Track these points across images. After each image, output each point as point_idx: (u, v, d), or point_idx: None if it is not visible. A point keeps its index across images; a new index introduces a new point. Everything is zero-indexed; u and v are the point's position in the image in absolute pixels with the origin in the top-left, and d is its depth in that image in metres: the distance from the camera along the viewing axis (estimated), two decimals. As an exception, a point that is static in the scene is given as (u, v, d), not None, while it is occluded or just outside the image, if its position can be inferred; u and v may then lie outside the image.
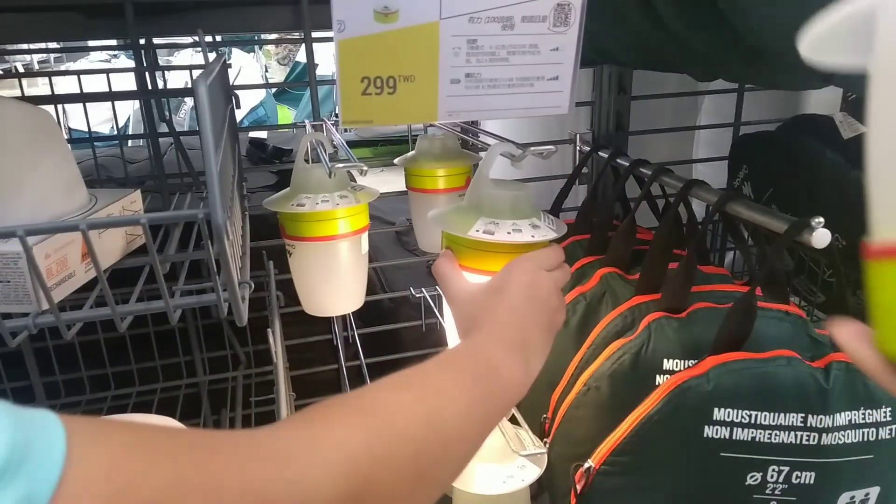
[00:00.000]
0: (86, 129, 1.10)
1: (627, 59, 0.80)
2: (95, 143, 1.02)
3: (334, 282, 0.78)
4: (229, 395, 1.03)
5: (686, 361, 0.73)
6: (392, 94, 0.48)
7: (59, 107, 1.12)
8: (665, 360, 0.73)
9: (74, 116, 2.95)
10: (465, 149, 0.98)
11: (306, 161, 0.77)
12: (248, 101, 3.82)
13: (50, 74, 0.93)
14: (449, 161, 0.92)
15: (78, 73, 0.88)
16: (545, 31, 0.48)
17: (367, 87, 0.48)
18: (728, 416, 0.65)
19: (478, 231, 0.58)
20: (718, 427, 0.65)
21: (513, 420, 0.84)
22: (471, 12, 0.46)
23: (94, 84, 0.97)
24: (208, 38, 1.29)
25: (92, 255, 0.43)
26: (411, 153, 0.95)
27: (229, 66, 0.88)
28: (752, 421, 0.64)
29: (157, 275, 0.47)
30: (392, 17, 0.46)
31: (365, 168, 0.62)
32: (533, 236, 0.59)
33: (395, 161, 0.95)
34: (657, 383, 0.73)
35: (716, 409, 0.65)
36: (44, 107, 0.56)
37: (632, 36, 0.68)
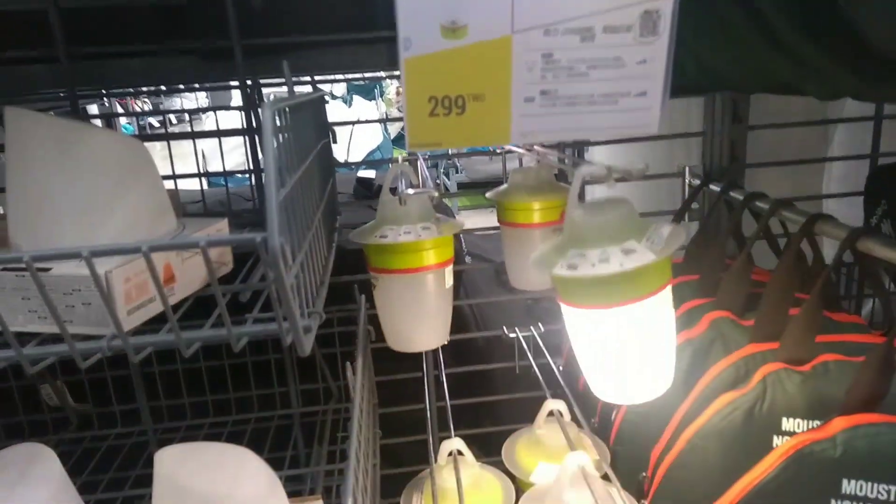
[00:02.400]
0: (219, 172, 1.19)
1: (739, 81, 0.73)
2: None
3: (416, 315, 0.76)
4: (317, 427, 1.03)
5: (809, 422, 0.63)
6: (461, 115, 0.45)
7: (199, 150, 1.20)
8: (784, 419, 0.65)
9: (213, 160, 3.22)
10: (560, 181, 0.93)
11: (392, 193, 0.76)
12: (367, 145, 3.98)
13: (163, 113, 0.99)
14: (542, 193, 0.88)
15: (189, 111, 0.94)
16: (630, 42, 0.44)
17: (434, 107, 0.45)
18: (860, 490, 0.55)
19: (562, 267, 0.54)
20: (848, 502, 0.55)
21: (604, 477, 0.76)
22: (546, 24, 0.43)
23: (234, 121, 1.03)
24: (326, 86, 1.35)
25: (154, 278, 0.43)
26: (503, 186, 0.92)
27: (327, 101, 0.89)
28: (891, 498, 0.54)
29: (218, 300, 0.46)
30: (460, 32, 0.43)
31: (435, 195, 0.60)
32: (622, 265, 0.52)
33: (487, 194, 0.93)
34: (774, 445, 0.64)
35: (845, 481, 0.56)
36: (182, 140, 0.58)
37: (744, 55, 0.62)
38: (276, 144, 0.42)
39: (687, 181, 1.03)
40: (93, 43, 0.89)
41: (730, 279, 0.80)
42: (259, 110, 0.95)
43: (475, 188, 4.49)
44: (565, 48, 0.44)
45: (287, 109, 0.49)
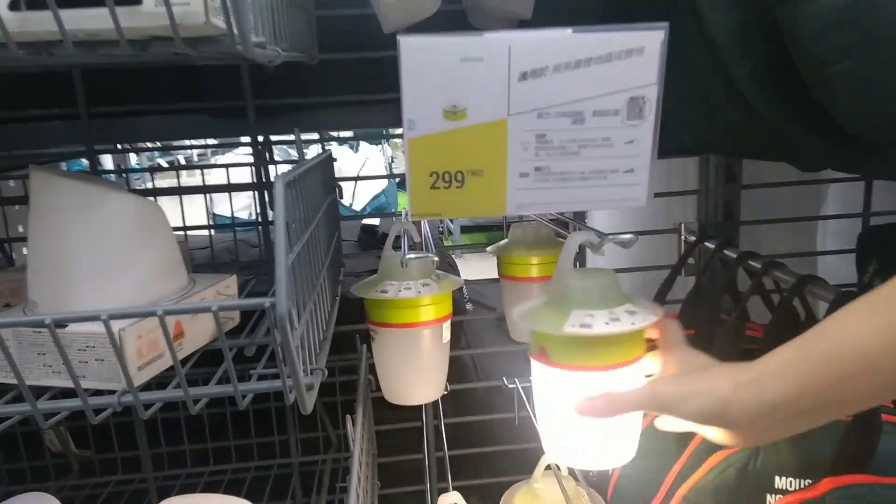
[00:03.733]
0: (229, 215, 1.22)
1: (729, 151, 0.76)
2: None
3: (413, 369, 0.77)
4: (316, 477, 1.03)
5: (801, 480, 0.64)
6: (460, 188, 0.48)
7: (208, 196, 1.24)
8: (777, 478, 0.66)
9: (220, 203, 3.26)
10: (560, 237, 0.96)
11: (395, 249, 0.79)
12: (372, 189, 4.03)
13: (177, 169, 1.03)
14: (541, 249, 0.91)
15: (202, 166, 0.98)
16: (618, 124, 0.47)
17: (435, 181, 0.48)
18: (849, 551, 0.56)
19: (574, 326, 0.55)
20: (837, 563, 0.56)
21: (600, 533, 0.77)
22: (539, 108, 0.46)
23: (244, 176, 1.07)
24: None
25: (167, 340, 0.46)
26: (504, 241, 0.95)
27: (335, 159, 0.93)
28: (877, 561, 0.55)
29: (226, 360, 0.49)
30: (460, 115, 0.46)
31: (436, 259, 0.62)
32: (633, 323, 0.55)
33: (488, 249, 0.95)
34: (767, 503, 0.65)
35: (834, 542, 0.56)
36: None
37: (729, 127, 0.65)
38: (285, 215, 0.45)
39: (683, 237, 1.06)
40: (110, 101, 0.93)
41: (724, 336, 0.82)
42: (269, 167, 0.99)
43: (479, 231, 4.53)
44: (557, 129, 0.47)
45: (296, 179, 0.52)
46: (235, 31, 0.44)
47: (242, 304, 0.45)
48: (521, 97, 0.46)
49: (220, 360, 0.65)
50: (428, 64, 0.45)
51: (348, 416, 0.69)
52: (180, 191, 0.95)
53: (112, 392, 0.51)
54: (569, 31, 0.44)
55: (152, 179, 1.03)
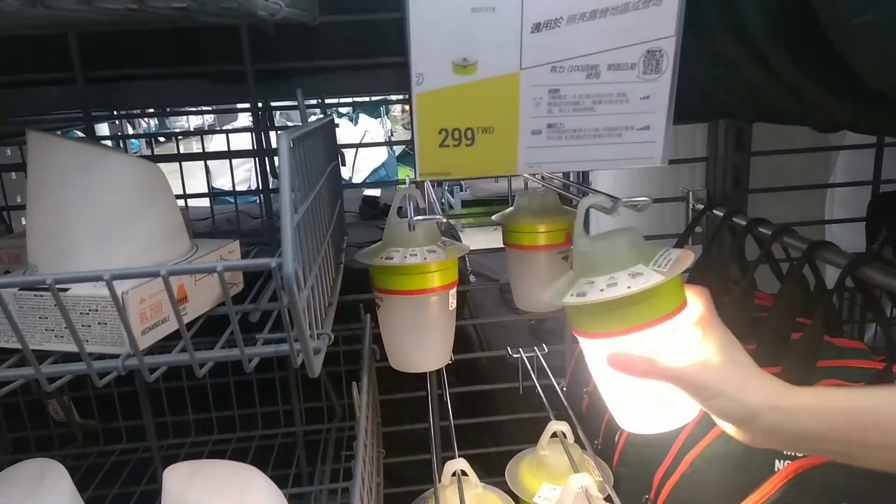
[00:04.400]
0: (228, 188, 1.21)
1: (742, 113, 0.74)
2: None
3: (419, 337, 0.77)
4: (321, 446, 1.03)
5: (811, 447, 0.64)
6: (470, 146, 0.47)
7: (206, 165, 1.22)
8: (786, 444, 0.65)
9: (220, 176, 3.24)
10: (566, 205, 0.95)
11: (400, 216, 0.77)
12: (372, 162, 4.00)
13: (175, 134, 1.01)
14: (548, 217, 0.90)
15: (202, 132, 0.96)
16: (634, 79, 0.45)
17: (444, 138, 0.47)
18: (861, 516, 0.56)
19: (572, 295, 0.54)
20: (849, 527, 0.56)
21: (607, 499, 0.77)
22: (553, 62, 0.45)
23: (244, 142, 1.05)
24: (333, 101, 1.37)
25: (172, 301, 0.45)
26: (509, 209, 0.94)
27: (337, 126, 0.91)
28: (891, 525, 0.54)
29: (232, 322, 0.48)
30: (471, 68, 0.45)
31: (444, 220, 0.61)
32: (629, 287, 0.52)
33: (493, 217, 0.94)
34: (776, 469, 0.64)
35: (846, 505, 0.56)
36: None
37: (744, 88, 0.63)
38: (290, 173, 0.44)
39: (691, 206, 1.05)
40: (107, 66, 0.91)
41: (732, 304, 0.81)
42: (269, 133, 0.97)
43: (480, 206, 4.51)
44: (571, 84, 0.45)
45: (301, 138, 0.51)
46: (237, -21, 0.42)
47: (248, 264, 0.44)
48: (534, 50, 0.44)
49: (224, 329, 0.64)
50: (437, 14, 0.43)
51: (354, 384, 0.69)
52: (179, 158, 0.93)
53: (115, 356, 0.51)
54: (584, -21, 0.43)
55: (151, 149, 1.01)
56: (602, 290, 0.53)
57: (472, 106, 0.46)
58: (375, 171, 3.94)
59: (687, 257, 0.54)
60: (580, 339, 0.58)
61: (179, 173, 0.96)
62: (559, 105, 0.46)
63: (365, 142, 3.78)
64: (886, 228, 0.91)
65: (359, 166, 3.85)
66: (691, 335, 0.55)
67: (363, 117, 4.28)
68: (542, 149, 0.47)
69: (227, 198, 2.73)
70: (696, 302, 0.57)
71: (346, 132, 3.93)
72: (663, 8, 0.43)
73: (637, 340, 0.55)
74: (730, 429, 0.53)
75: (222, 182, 3.00)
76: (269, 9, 0.48)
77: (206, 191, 1.23)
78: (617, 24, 0.43)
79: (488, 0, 0.43)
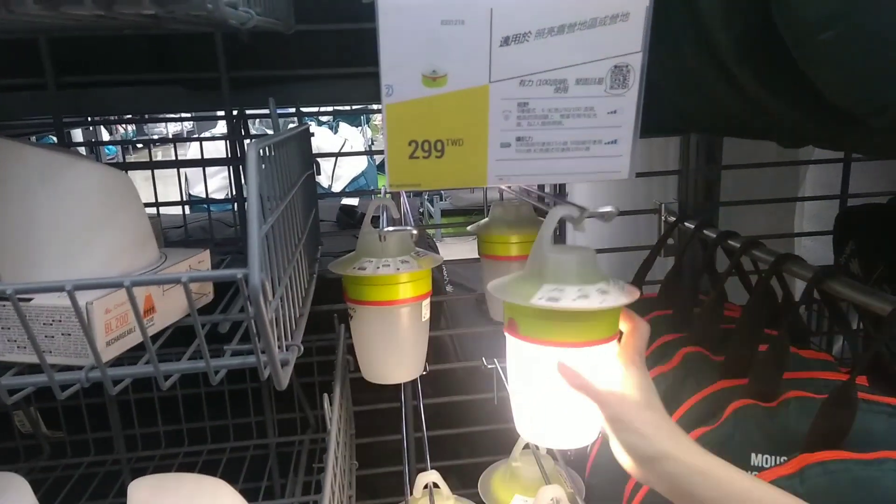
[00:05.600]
0: (204, 195, 1.19)
1: (711, 127, 0.75)
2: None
3: (392, 348, 0.76)
4: (293, 458, 1.02)
5: (776, 457, 0.64)
6: (440, 158, 0.47)
7: (182, 173, 1.21)
8: (752, 455, 0.66)
9: (196, 184, 3.20)
10: (540, 216, 0.95)
11: (374, 224, 0.77)
12: (351, 170, 4.00)
13: (148, 141, 1.00)
14: (522, 228, 0.90)
15: (174, 140, 0.95)
16: (601, 93, 0.46)
17: (414, 150, 0.47)
18: (825, 526, 0.56)
19: (541, 299, 0.55)
20: (813, 538, 0.56)
21: (579, 510, 0.77)
22: (522, 75, 0.45)
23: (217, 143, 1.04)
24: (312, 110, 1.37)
25: (136, 312, 0.44)
26: (484, 220, 0.94)
27: (313, 134, 0.91)
28: (853, 535, 0.55)
29: (198, 335, 0.47)
30: (440, 81, 0.45)
31: (414, 232, 0.61)
32: (602, 302, 0.54)
33: (469, 228, 0.94)
34: (747, 479, 0.65)
35: (810, 517, 0.57)
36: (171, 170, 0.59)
37: (711, 102, 0.64)
38: (258, 183, 0.44)
39: (663, 217, 1.06)
40: (79, 71, 0.90)
41: (702, 315, 0.82)
42: (244, 140, 0.97)
43: (459, 215, 4.52)
44: (540, 98, 0.46)
45: (271, 147, 0.51)
46: (205, -12, 0.42)
47: (214, 275, 0.44)
48: (503, 63, 0.44)
49: (194, 338, 0.64)
50: (407, 26, 0.44)
51: (325, 395, 0.68)
52: (152, 165, 0.92)
53: (80, 368, 0.50)
54: (553, -6, 0.43)
55: (123, 156, 1.00)
56: (574, 299, 0.54)
57: (441, 118, 0.46)
58: (355, 179, 3.93)
59: (634, 290, 0.58)
60: (520, 343, 0.59)
61: (152, 178, 0.95)
62: (528, 118, 0.46)
63: (345, 150, 3.78)
64: (853, 242, 0.93)
65: (338, 174, 3.84)
66: (615, 365, 0.59)
67: (343, 126, 4.28)
68: (512, 161, 0.48)
69: (202, 206, 2.71)
70: (635, 335, 0.59)
71: (326, 140, 3.92)
72: (630, 24, 0.44)
73: (583, 355, 0.57)
74: (626, 462, 0.56)
75: (200, 189, 2.97)
76: (240, 18, 0.48)
77: (182, 198, 1.22)
78: (585, 40, 0.44)
79: (458, 13, 0.43)
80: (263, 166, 0.48)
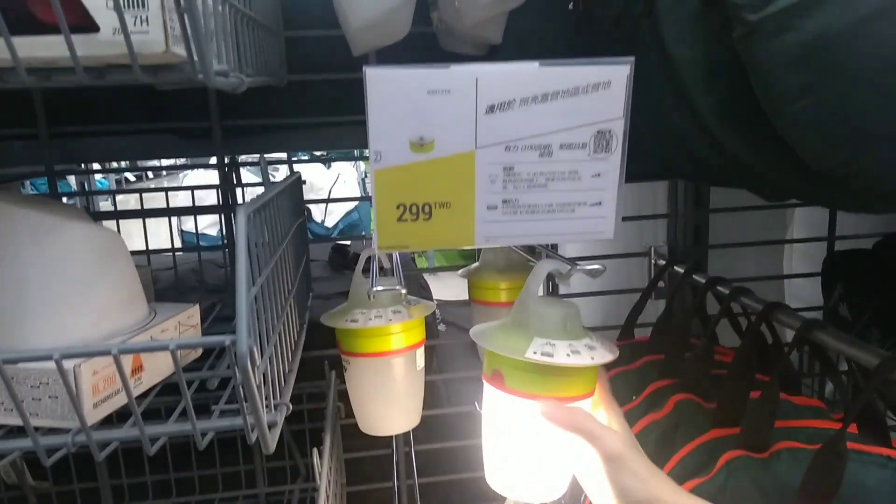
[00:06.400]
0: (194, 231, 1.19)
1: (697, 179, 0.77)
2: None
3: (387, 399, 0.76)
4: (284, 509, 1.01)
5: (772, 513, 0.64)
6: (428, 221, 0.48)
7: (174, 222, 1.21)
8: (747, 511, 0.65)
9: (189, 219, 3.20)
10: (531, 262, 0.96)
11: (365, 271, 0.77)
12: (345, 205, 4.00)
13: (140, 192, 1.01)
14: (512, 273, 0.90)
15: (165, 189, 0.96)
16: (585, 157, 0.47)
17: (402, 213, 0.47)
18: (818, 584, 0.56)
19: (535, 353, 0.55)
20: None
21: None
22: (507, 141, 0.46)
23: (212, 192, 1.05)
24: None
25: (122, 379, 0.44)
26: (475, 265, 0.95)
27: (304, 182, 0.92)
28: None
29: (184, 398, 0.47)
30: (428, 147, 0.46)
31: (404, 291, 0.61)
32: (592, 358, 0.55)
33: (459, 273, 0.95)
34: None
35: (803, 574, 0.56)
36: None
37: (694, 158, 0.65)
38: (247, 248, 0.44)
39: (653, 261, 1.07)
40: (72, 121, 0.91)
41: (694, 362, 0.82)
42: (234, 189, 0.98)
43: (453, 249, 4.53)
44: (525, 162, 0.46)
45: (261, 209, 0.51)
46: (196, 58, 0.43)
47: (201, 342, 0.44)
48: (489, 130, 0.45)
49: (188, 386, 0.63)
50: (394, 96, 0.44)
51: (314, 449, 0.68)
52: (143, 213, 0.93)
53: (68, 430, 0.49)
54: (536, 64, 0.44)
55: (114, 201, 1.00)
56: (568, 355, 0.55)
57: (429, 182, 0.47)
58: (348, 214, 3.94)
59: (615, 347, 0.59)
60: (504, 395, 0.58)
61: (143, 224, 0.95)
62: (514, 182, 0.47)
63: (337, 187, 3.80)
64: (841, 286, 0.94)
65: (331, 209, 3.86)
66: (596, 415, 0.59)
67: (336, 161, 4.30)
68: (498, 223, 0.48)
69: (194, 241, 2.71)
70: (603, 380, 0.62)
71: (319, 175, 3.94)
72: (612, 91, 0.45)
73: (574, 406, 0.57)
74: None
75: (191, 225, 2.97)
76: (231, 84, 0.49)
77: (173, 236, 1.22)
78: (568, 107, 0.45)
79: (444, 83, 0.44)
80: (254, 233, 0.48)
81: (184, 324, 0.64)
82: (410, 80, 0.44)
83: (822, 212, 1.16)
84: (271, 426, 0.50)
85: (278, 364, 0.57)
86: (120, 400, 0.56)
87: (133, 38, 0.44)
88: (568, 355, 0.55)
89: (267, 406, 0.53)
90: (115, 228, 0.94)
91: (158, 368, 0.61)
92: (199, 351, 0.68)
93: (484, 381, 0.61)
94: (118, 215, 0.92)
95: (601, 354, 0.56)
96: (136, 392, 0.56)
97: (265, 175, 0.63)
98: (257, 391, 0.44)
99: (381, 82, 0.44)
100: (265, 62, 0.71)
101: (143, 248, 1.01)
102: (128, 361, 0.54)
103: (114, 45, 0.45)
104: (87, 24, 0.46)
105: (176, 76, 0.45)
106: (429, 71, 0.44)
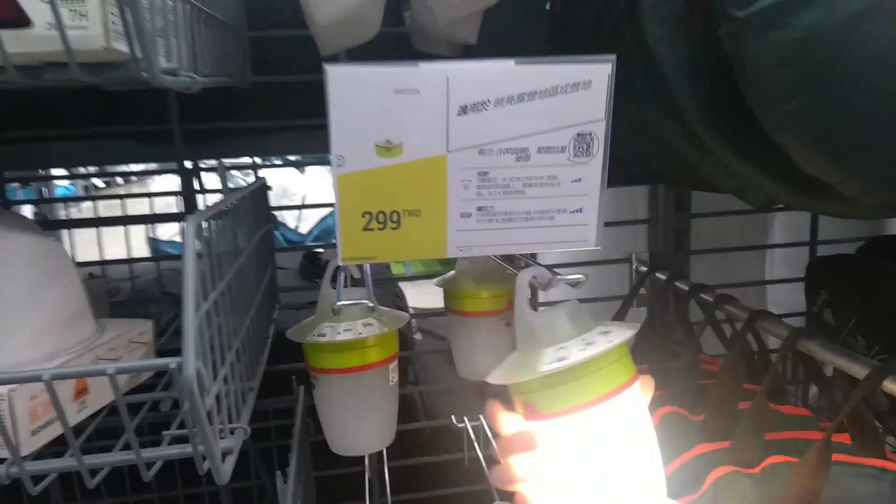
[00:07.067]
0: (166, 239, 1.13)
1: (681, 184, 0.74)
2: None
3: (358, 418, 0.72)
4: (251, 532, 0.96)
5: (761, 528, 0.61)
6: (396, 229, 0.44)
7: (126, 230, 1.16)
8: (738, 528, 0.62)
9: (160, 226, 3.13)
10: (509, 268, 0.92)
11: (334, 282, 0.73)
12: (320, 210, 3.94)
13: (94, 198, 0.96)
14: (489, 282, 0.87)
15: (121, 196, 0.91)
16: (565, 161, 0.43)
17: (368, 221, 0.44)
18: None
19: (549, 363, 0.48)
20: None
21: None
22: (481, 144, 0.42)
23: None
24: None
25: (55, 405, 0.39)
26: (451, 273, 0.91)
27: (269, 188, 0.87)
28: None
29: (127, 430, 0.42)
30: (395, 151, 0.42)
31: (371, 305, 0.58)
32: (611, 341, 0.48)
33: (434, 282, 0.91)
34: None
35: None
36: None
37: (680, 162, 0.63)
38: (194, 263, 0.40)
39: (634, 267, 1.04)
40: (23, 125, 0.86)
41: (678, 373, 0.80)
42: (195, 196, 0.93)
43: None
44: (501, 167, 0.43)
45: (212, 220, 0.47)
46: (139, 55, 0.39)
47: (143, 365, 0.40)
48: (462, 132, 0.42)
49: (141, 406, 0.59)
50: (359, 96, 0.41)
51: (278, 473, 0.63)
52: (98, 222, 0.88)
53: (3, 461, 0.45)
54: (511, 62, 0.41)
55: (66, 209, 0.95)
56: (582, 349, 0.48)
57: (397, 188, 0.43)
58: (323, 219, 3.89)
59: (633, 324, 0.52)
60: (541, 425, 0.52)
61: (97, 235, 0.90)
62: (489, 188, 0.44)
63: (312, 192, 3.74)
64: (824, 293, 0.92)
65: (306, 215, 3.80)
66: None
67: (311, 166, 4.24)
68: (473, 232, 0.45)
69: (166, 249, 2.63)
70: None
71: (292, 180, 3.88)
72: (592, 92, 0.42)
73: (616, 405, 0.50)
74: None
75: (161, 232, 2.90)
76: (181, 84, 0.45)
77: (134, 246, 1.17)
78: (546, 108, 0.42)
79: (412, 82, 0.40)
80: (203, 251, 0.44)
81: (135, 341, 0.60)
82: (376, 78, 0.40)
83: (803, 217, 1.14)
84: (227, 454, 0.46)
85: (236, 384, 0.53)
86: (59, 427, 0.51)
87: (70, 34, 0.40)
88: (582, 350, 0.48)
89: (222, 430, 0.48)
90: (68, 238, 0.89)
91: (106, 390, 0.56)
92: (147, 374, 0.63)
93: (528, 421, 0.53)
94: (71, 224, 0.87)
95: (619, 334, 0.49)
96: (77, 419, 0.52)
97: (224, 181, 0.59)
98: (207, 417, 0.40)
99: (343, 81, 0.41)
100: (225, 62, 0.67)
101: (111, 258, 0.95)
102: (68, 385, 0.50)
103: (49, 40, 0.41)
104: (17, 18, 0.42)
105: (119, 75, 0.41)
106: (396, 69, 0.40)
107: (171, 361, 0.39)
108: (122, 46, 0.41)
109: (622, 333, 0.49)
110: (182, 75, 0.44)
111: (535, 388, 0.50)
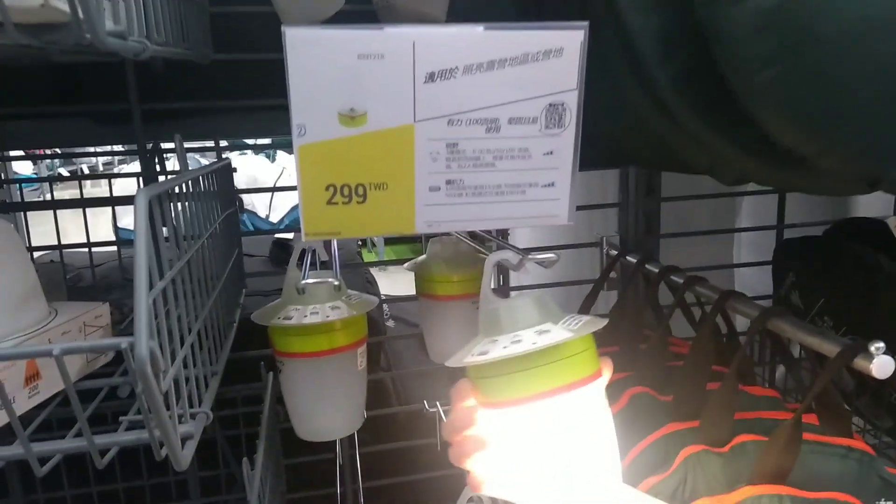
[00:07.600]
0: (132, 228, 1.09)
1: (651, 163, 0.73)
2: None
3: (324, 402, 0.70)
4: (219, 522, 0.94)
5: (726, 503, 0.61)
6: (362, 203, 0.42)
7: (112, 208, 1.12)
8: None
9: (126, 215, 3.06)
10: (480, 253, 0.91)
11: (300, 269, 0.71)
12: (290, 200, 3.90)
13: (50, 180, 0.92)
14: (461, 266, 0.86)
15: (79, 177, 0.87)
16: (536, 133, 0.42)
17: (332, 195, 0.42)
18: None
19: (472, 355, 0.49)
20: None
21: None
22: (450, 114, 0.41)
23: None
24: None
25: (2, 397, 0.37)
26: (422, 257, 0.89)
27: (234, 169, 0.85)
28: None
29: (78, 417, 0.40)
30: (359, 120, 0.40)
31: (337, 283, 0.56)
32: (535, 343, 0.46)
33: (405, 266, 0.90)
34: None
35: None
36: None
37: (652, 138, 0.62)
38: (146, 240, 0.38)
39: (605, 251, 1.04)
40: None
41: (648, 355, 0.80)
42: (157, 178, 0.90)
43: (403, 243, 4.47)
44: (470, 138, 0.42)
45: (166, 194, 0.45)
46: (81, 15, 0.37)
47: (91, 346, 0.38)
48: (429, 101, 0.40)
49: (97, 393, 0.56)
50: (319, 61, 0.39)
51: (245, 460, 0.62)
52: (55, 205, 0.84)
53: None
54: (480, 27, 0.39)
55: (21, 196, 0.91)
56: (505, 347, 0.47)
57: (362, 160, 0.41)
58: (294, 209, 3.83)
59: (597, 322, 0.51)
60: (491, 414, 0.51)
61: (54, 217, 0.86)
62: (458, 160, 0.42)
63: (282, 181, 3.69)
64: (792, 274, 0.93)
65: (276, 205, 3.75)
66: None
67: (281, 153, 4.18)
68: (442, 206, 0.43)
69: (131, 237, 2.57)
70: None
71: (262, 169, 3.82)
72: (564, 60, 0.41)
73: (578, 396, 0.49)
74: None
75: (127, 221, 2.83)
76: (130, 49, 0.42)
77: (109, 231, 1.13)
78: (516, 76, 0.40)
79: (376, 46, 0.39)
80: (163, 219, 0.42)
81: (90, 324, 0.57)
82: (338, 42, 0.39)
83: (770, 202, 1.15)
84: (186, 439, 0.44)
85: (197, 368, 0.51)
86: (17, 408, 0.48)
87: (2, -11, 0.37)
88: (505, 347, 0.47)
89: (182, 415, 0.46)
90: (24, 220, 0.85)
91: (56, 378, 0.53)
92: (111, 354, 0.61)
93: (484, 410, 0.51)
94: (27, 207, 0.83)
95: (553, 336, 0.47)
96: (28, 406, 0.49)
97: (182, 159, 0.56)
98: (165, 401, 0.38)
99: (303, 44, 0.39)
100: (184, 34, 0.64)
101: (75, 242, 0.91)
102: (18, 369, 0.47)
103: (-21, -2, 0.38)
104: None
105: (60, 36, 0.39)
106: (359, 32, 0.39)
107: (122, 341, 0.37)
108: (63, 5, 0.38)
109: (555, 337, 0.47)
110: (132, 40, 0.42)
111: (481, 375, 0.49)
